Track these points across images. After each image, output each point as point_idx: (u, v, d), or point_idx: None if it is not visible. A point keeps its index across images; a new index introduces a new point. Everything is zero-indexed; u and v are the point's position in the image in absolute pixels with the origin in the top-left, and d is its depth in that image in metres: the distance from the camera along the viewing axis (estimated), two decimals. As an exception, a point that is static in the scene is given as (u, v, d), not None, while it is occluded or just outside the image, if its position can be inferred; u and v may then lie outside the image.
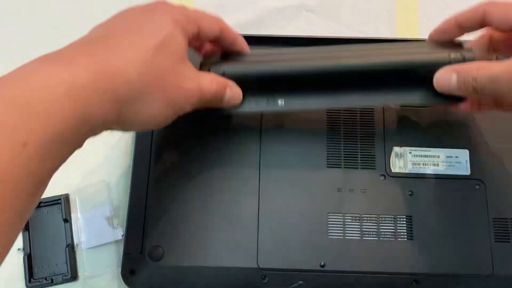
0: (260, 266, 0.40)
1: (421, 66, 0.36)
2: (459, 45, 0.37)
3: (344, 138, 0.43)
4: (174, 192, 0.41)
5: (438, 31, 0.37)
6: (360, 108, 0.43)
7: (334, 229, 0.41)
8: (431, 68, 0.36)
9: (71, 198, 0.45)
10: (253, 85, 0.38)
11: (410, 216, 0.41)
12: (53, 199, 0.44)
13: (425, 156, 0.42)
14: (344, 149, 0.42)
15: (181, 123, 0.41)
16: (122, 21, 0.31)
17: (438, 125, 0.43)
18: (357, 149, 0.42)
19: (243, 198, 0.41)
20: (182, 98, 0.32)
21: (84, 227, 0.43)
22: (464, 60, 0.35)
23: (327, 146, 0.42)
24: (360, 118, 0.43)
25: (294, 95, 0.38)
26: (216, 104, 0.36)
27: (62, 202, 0.44)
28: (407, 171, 0.42)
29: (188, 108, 0.33)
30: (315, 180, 0.42)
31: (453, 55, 0.36)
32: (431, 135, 0.43)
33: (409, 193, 0.41)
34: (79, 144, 0.28)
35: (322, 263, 0.40)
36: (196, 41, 0.35)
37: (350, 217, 0.41)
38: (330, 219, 0.41)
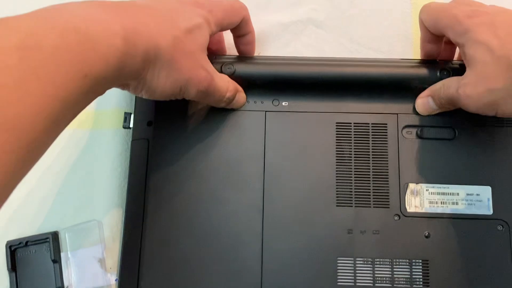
0: (264, 315, 0.37)
1: (411, 79, 0.40)
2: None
3: (355, 174, 0.39)
4: (171, 234, 0.38)
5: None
6: (373, 141, 0.40)
7: (344, 275, 0.37)
8: (420, 81, 0.40)
9: (61, 236, 0.41)
10: (261, 85, 0.40)
11: (427, 261, 0.38)
12: (41, 238, 0.41)
13: (443, 193, 0.39)
14: (355, 186, 0.39)
15: (176, 155, 0.38)
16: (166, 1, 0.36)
17: (458, 159, 0.39)
18: (370, 186, 0.39)
19: (245, 240, 0.38)
20: (193, 81, 0.35)
21: (75, 269, 0.40)
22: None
23: (337, 182, 0.39)
24: (372, 152, 0.39)
25: (297, 98, 0.41)
26: (220, 104, 0.39)
27: (50, 241, 0.41)
28: (423, 211, 0.39)
29: (193, 92, 0.35)
30: (324, 221, 0.38)
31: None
32: (450, 170, 0.39)
33: (426, 235, 0.38)
34: (106, 90, 0.31)
35: (331, 312, 0.37)
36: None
37: (361, 262, 0.38)
38: (340, 264, 0.38)
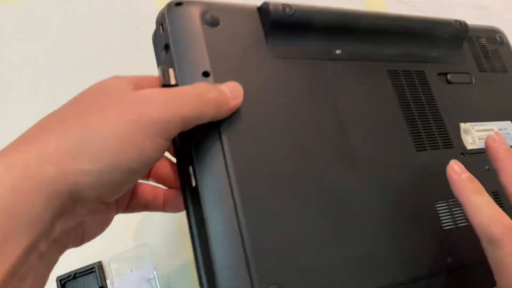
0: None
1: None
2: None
3: (420, 120, 0.39)
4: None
5: None
6: (421, 87, 0.40)
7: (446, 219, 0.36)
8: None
9: (105, 264, 0.41)
10: (318, 30, 0.37)
11: (497, 192, 0.39)
12: (87, 269, 0.40)
13: (484, 130, 0.41)
14: (424, 131, 0.38)
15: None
16: None
17: (481, 100, 0.43)
18: (433, 129, 0.39)
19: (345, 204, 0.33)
20: None
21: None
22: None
23: (408, 128, 0.38)
24: (425, 97, 0.40)
25: (350, 46, 0.38)
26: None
27: (97, 270, 0.41)
28: (477, 147, 0.40)
29: None
30: (408, 166, 0.37)
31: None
32: (479, 110, 0.42)
33: (487, 168, 0.39)
34: None
35: (449, 260, 0.35)
36: None
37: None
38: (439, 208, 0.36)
